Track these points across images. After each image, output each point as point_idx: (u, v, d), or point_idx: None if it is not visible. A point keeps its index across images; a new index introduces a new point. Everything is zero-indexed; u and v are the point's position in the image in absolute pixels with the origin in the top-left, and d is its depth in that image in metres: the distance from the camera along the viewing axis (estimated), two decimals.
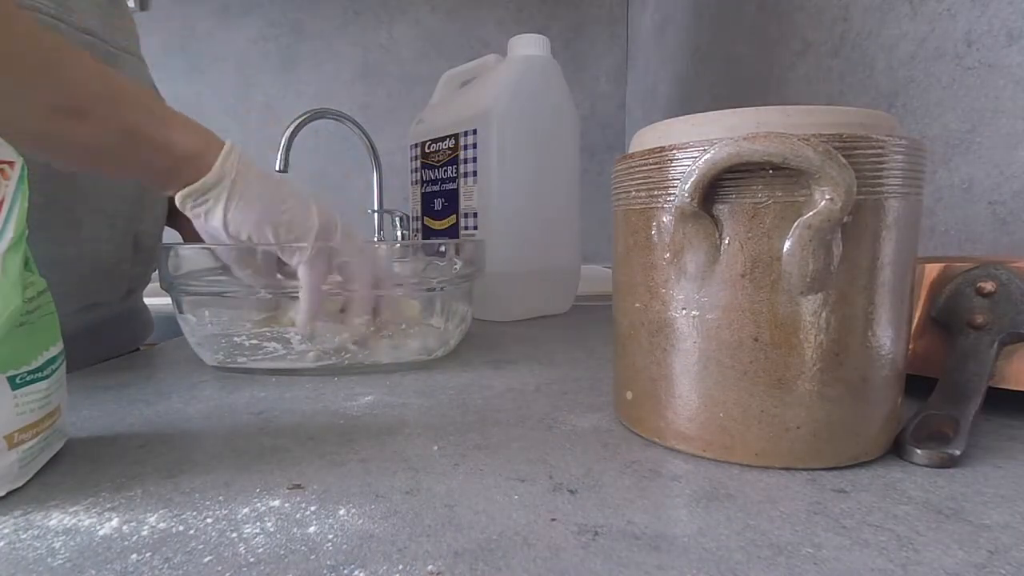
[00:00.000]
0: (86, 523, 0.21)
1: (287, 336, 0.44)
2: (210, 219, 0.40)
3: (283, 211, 0.42)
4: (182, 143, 0.39)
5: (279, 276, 0.44)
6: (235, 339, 0.45)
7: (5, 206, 0.24)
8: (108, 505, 0.23)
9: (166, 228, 0.60)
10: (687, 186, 0.24)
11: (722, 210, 0.25)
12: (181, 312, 0.45)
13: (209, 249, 0.44)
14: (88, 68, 0.35)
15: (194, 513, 0.22)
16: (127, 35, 0.50)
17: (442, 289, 0.47)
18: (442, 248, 0.50)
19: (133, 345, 0.58)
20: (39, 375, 0.25)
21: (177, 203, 0.40)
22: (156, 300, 0.86)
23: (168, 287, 0.44)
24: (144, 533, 0.21)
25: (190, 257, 0.44)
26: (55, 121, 0.33)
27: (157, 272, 0.47)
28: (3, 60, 0.31)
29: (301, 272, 0.42)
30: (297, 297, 0.44)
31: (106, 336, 0.53)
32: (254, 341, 0.44)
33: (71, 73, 0.34)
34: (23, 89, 0.32)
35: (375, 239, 1.17)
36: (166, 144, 0.38)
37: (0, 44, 0.31)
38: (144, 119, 0.37)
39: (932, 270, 0.35)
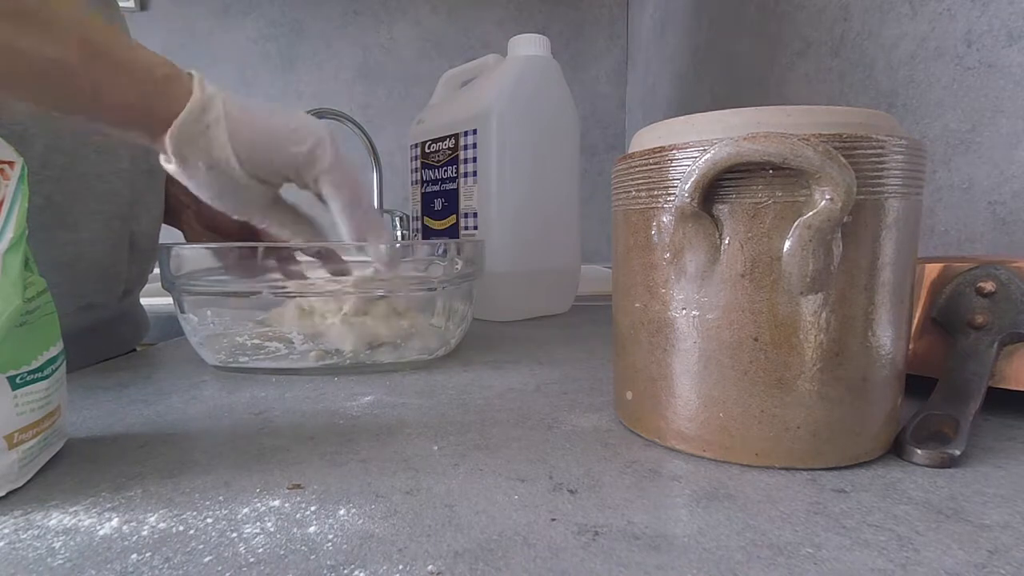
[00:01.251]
0: (86, 523, 0.21)
1: (289, 336, 0.44)
2: (215, 150, 0.36)
3: (286, 122, 0.38)
4: (145, 67, 0.34)
5: (279, 273, 0.44)
6: (237, 339, 0.45)
7: (5, 206, 0.24)
8: (108, 505, 0.23)
9: (166, 227, 0.60)
10: (687, 186, 0.24)
11: (722, 210, 0.25)
12: (183, 312, 0.45)
13: (210, 249, 0.44)
14: None
15: (194, 513, 0.22)
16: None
17: (443, 289, 0.47)
18: (442, 248, 0.50)
19: (130, 346, 0.58)
20: (39, 375, 0.25)
21: (169, 148, 0.36)
22: (155, 300, 0.86)
23: (169, 287, 0.44)
24: (144, 533, 0.21)
25: (191, 257, 0.44)
26: (4, 25, 0.29)
27: (157, 272, 0.47)
28: None
29: (328, 187, 0.38)
30: (297, 297, 0.44)
31: (103, 336, 0.53)
32: (256, 341, 0.45)
33: None
34: None
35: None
36: (127, 66, 0.33)
37: None
38: (99, 35, 0.32)
39: (932, 270, 0.35)
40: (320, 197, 0.40)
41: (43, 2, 0.30)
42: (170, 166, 0.37)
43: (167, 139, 0.35)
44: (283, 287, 0.44)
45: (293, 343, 0.44)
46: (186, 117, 0.35)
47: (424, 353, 0.46)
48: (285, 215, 0.43)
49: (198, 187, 0.39)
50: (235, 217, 0.41)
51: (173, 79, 0.35)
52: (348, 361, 0.44)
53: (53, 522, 0.21)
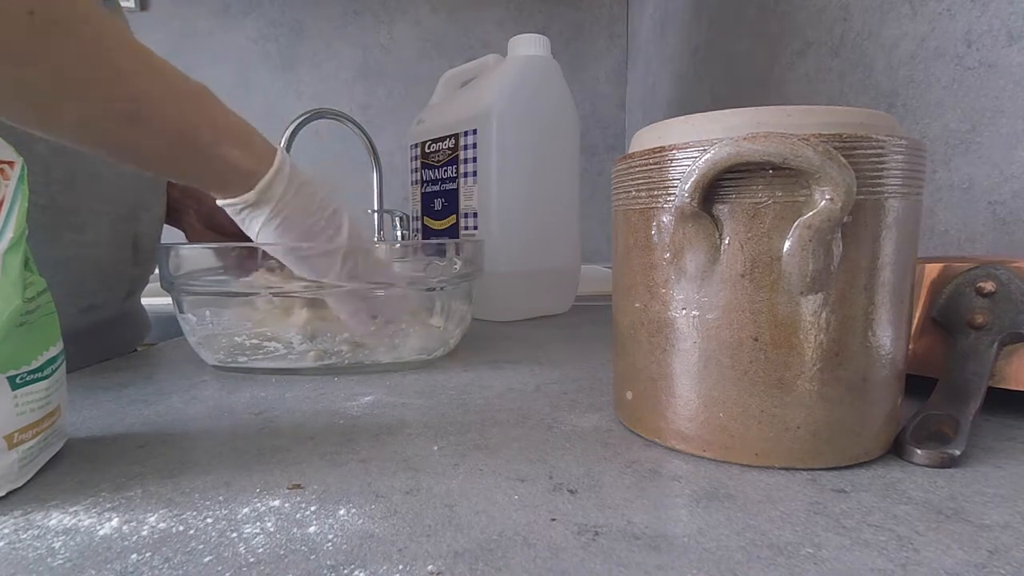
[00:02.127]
0: (86, 523, 0.21)
1: (288, 336, 0.44)
2: (248, 230, 0.41)
3: (317, 231, 0.42)
4: (233, 158, 0.38)
5: (271, 274, 0.44)
6: (236, 339, 0.45)
7: (5, 206, 0.24)
8: (108, 505, 0.23)
9: (168, 227, 0.60)
10: (687, 186, 0.24)
11: (722, 210, 0.25)
12: (181, 312, 0.45)
13: (209, 249, 0.44)
14: (149, 67, 0.33)
15: (194, 513, 0.22)
16: None
17: (442, 289, 0.47)
18: (442, 248, 0.50)
19: (131, 346, 0.58)
20: (39, 375, 0.25)
21: (229, 211, 0.40)
22: (155, 300, 0.86)
23: (169, 287, 0.44)
24: (144, 533, 0.21)
25: (191, 257, 0.44)
26: (113, 124, 0.32)
27: (157, 272, 0.47)
28: (80, 72, 0.30)
29: (335, 300, 0.43)
30: (296, 296, 0.44)
31: (105, 337, 0.53)
32: (255, 341, 0.44)
33: (134, 78, 0.32)
34: (81, 96, 0.31)
35: (374, 239, 1.17)
36: (218, 155, 0.37)
37: (67, 45, 0.29)
38: (192, 125, 0.36)
39: (932, 270, 0.35)
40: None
41: (145, 100, 0.33)
42: (241, 215, 0.41)
43: (227, 209, 0.40)
44: (280, 287, 0.44)
45: (292, 343, 0.44)
46: (232, 203, 0.39)
47: (423, 353, 0.46)
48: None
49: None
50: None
51: (248, 173, 0.39)
52: (347, 361, 0.44)
53: (53, 522, 0.21)
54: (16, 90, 0.28)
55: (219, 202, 0.40)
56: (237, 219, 0.41)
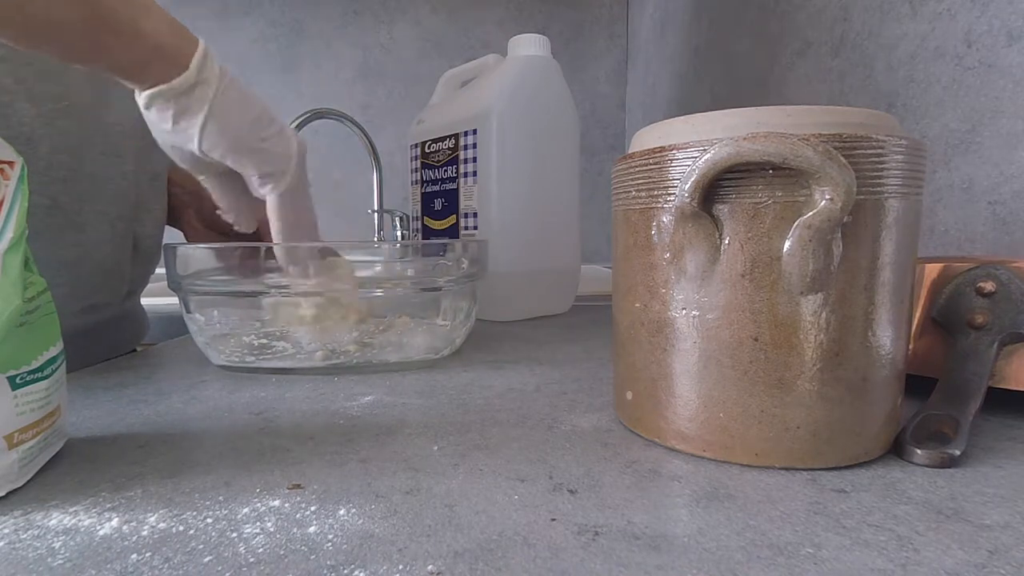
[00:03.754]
0: (86, 523, 0.21)
1: (296, 335, 0.44)
2: (181, 128, 0.37)
3: (263, 138, 0.39)
4: (153, 31, 0.34)
5: (269, 273, 0.44)
6: (244, 338, 0.45)
7: (5, 206, 0.24)
8: (108, 505, 0.23)
9: (168, 227, 0.60)
10: (687, 186, 0.24)
11: (722, 210, 0.25)
12: (189, 312, 0.45)
13: (217, 249, 0.44)
14: None
15: (194, 513, 0.22)
16: None
17: (448, 289, 0.47)
18: (445, 248, 0.50)
19: (130, 346, 0.58)
20: (39, 375, 0.25)
21: (140, 102, 0.37)
22: (156, 300, 0.86)
23: (176, 287, 0.44)
24: (144, 533, 0.21)
25: (198, 256, 0.44)
26: None
27: (163, 272, 0.46)
28: None
29: (273, 202, 0.40)
30: (299, 295, 0.44)
31: (105, 337, 0.53)
32: (263, 340, 0.45)
33: None
34: None
35: (375, 239, 1.17)
36: (134, 30, 0.34)
37: None
38: (115, 4, 0.33)
39: (932, 270, 0.35)
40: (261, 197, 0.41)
41: None
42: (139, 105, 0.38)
43: (143, 95, 0.36)
44: (287, 286, 0.44)
45: (300, 343, 0.44)
46: (163, 91, 0.36)
47: (430, 352, 0.46)
48: (232, 183, 0.43)
49: (161, 143, 0.40)
50: (187, 169, 0.42)
51: (171, 52, 0.36)
52: (355, 361, 0.44)
53: (53, 522, 0.21)
54: None
55: (144, 97, 0.36)
56: (164, 125, 0.37)
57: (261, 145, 0.39)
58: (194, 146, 0.38)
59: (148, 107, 0.37)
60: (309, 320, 0.44)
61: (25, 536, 0.21)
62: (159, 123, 0.38)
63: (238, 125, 0.39)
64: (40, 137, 0.41)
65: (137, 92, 0.37)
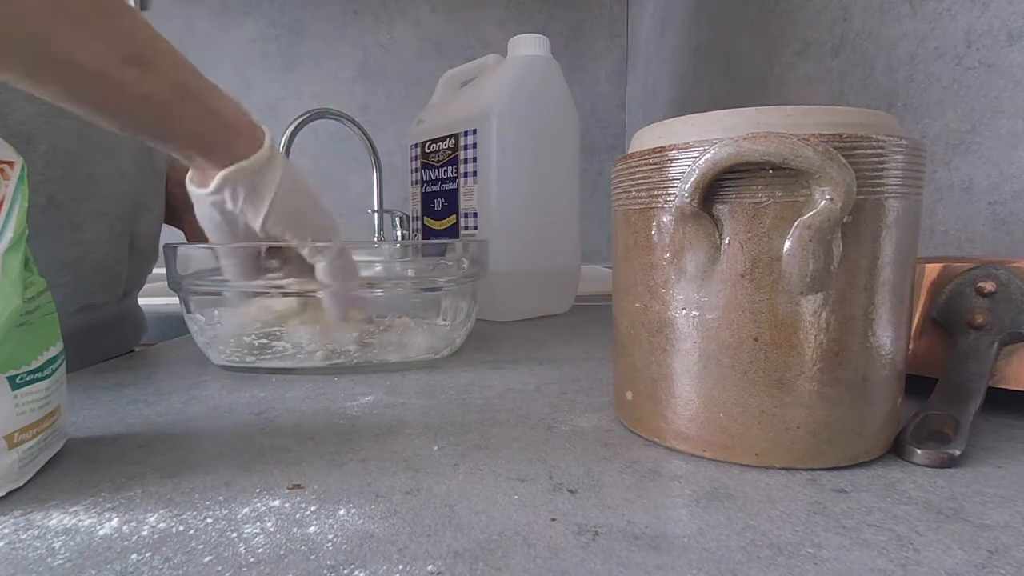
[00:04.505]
0: (86, 523, 0.21)
1: (297, 335, 0.44)
2: (250, 204, 0.39)
3: (319, 213, 0.42)
4: (226, 111, 0.37)
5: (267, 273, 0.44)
6: (244, 338, 0.45)
7: (5, 206, 0.24)
8: (108, 505, 0.23)
9: (168, 227, 0.60)
10: (687, 186, 0.24)
11: (722, 210, 0.25)
12: (189, 312, 0.45)
13: (215, 249, 0.44)
14: (144, 21, 0.33)
15: (194, 513, 0.22)
16: None
17: (449, 289, 0.47)
18: (445, 248, 0.50)
19: (128, 346, 0.58)
20: (39, 375, 0.25)
21: (216, 180, 0.38)
22: (155, 300, 0.86)
23: (176, 287, 0.44)
24: (144, 533, 0.21)
25: (199, 257, 0.44)
26: (121, 69, 0.31)
27: (157, 272, 0.47)
28: (79, 6, 0.29)
29: (323, 268, 0.42)
30: (299, 295, 0.44)
31: (102, 337, 0.53)
32: (263, 340, 0.45)
33: (133, 24, 0.32)
34: (96, 36, 0.30)
35: (375, 239, 1.17)
36: (214, 108, 0.36)
37: None
38: (194, 78, 0.36)
39: (932, 270, 0.35)
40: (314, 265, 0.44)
41: (156, 51, 0.33)
42: (199, 190, 0.40)
43: (221, 173, 0.38)
44: (284, 287, 0.44)
45: (301, 343, 0.44)
46: (251, 164, 0.38)
47: (430, 352, 0.46)
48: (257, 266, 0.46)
49: (210, 218, 0.41)
50: (220, 255, 0.44)
51: (248, 129, 0.39)
52: (355, 361, 0.44)
53: (53, 522, 0.21)
54: (9, 21, 0.27)
55: (220, 176, 0.38)
56: (231, 204, 0.39)
57: (313, 218, 0.42)
58: (258, 223, 0.40)
59: (221, 188, 0.38)
60: (289, 315, 0.45)
61: (25, 536, 0.21)
62: (224, 203, 0.39)
63: (297, 201, 0.41)
64: (38, 136, 0.41)
65: (196, 173, 0.39)
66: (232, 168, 0.38)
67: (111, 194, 0.48)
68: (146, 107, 0.34)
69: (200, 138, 0.37)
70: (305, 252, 0.42)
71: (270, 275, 0.44)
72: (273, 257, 0.44)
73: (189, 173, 0.40)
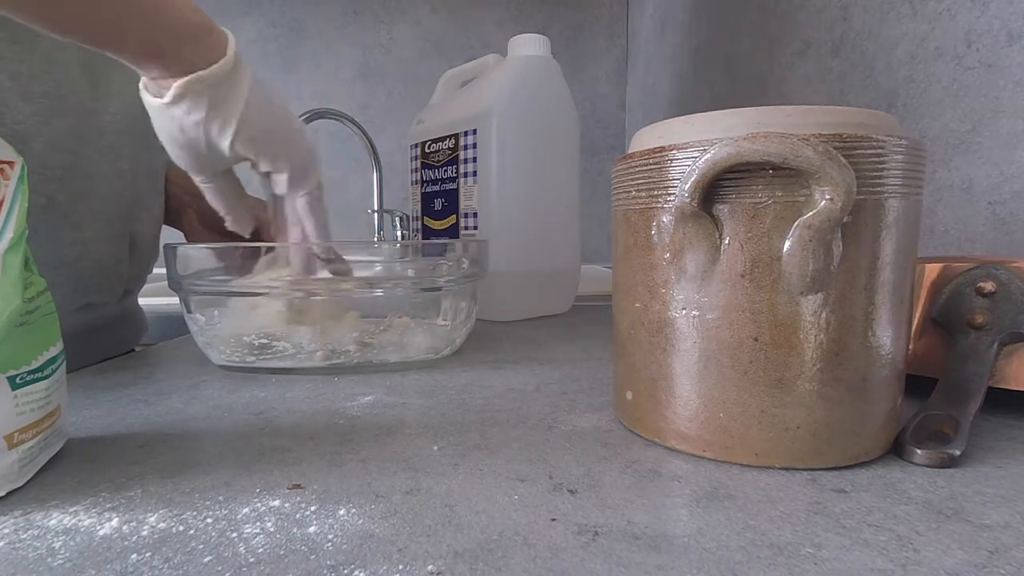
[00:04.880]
0: (86, 523, 0.21)
1: (298, 336, 0.44)
2: (213, 122, 0.35)
3: (291, 134, 0.38)
4: (183, 13, 0.33)
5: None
6: (244, 338, 0.45)
7: (5, 206, 0.24)
8: (108, 505, 0.23)
9: (167, 227, 0.60)
10: (687, 186, 0.24)
11: (722, 210, 0.25)
12: (189, 312, 0.45)
13: (217, 249, 0.44)
14: None
15: (194, 513, 0.22)
16: None
17: (449, 289, 0.47)
18: (445, 248, 0.50)
19: (128, 346, 0.58)
20: (39, 375, 0.25)
21: (168, 94, 0.34)
22: (155, 300, 0.86)
23: (176, 287, 0.44)
24: (144, 533, 0.21)
25: (198, 257, 0.44)
26: None
27: (157, 272, 0.47)
28: None
29: (305, 202, 0.39)
30: (301, 296, 0.44)
31: (102, 337, 0.53)
32: (263, 340, 0.45)
33: None
34: None
35: (375, 239, 1.17)
36: (166, 8, 0.32)
37: None
38: None
39: (932, 270, 0.35)
40: (278, 199, 0.41)
41: None
42: (155, 100, 0.36)
43: (178, 82, 0.34)
44: (289, 287, 0.44)
45: (301, 343, 0.44)
46: (211, 74, 0.34)
47: (430, 352, 0.46)
48: (232, 185, 0.43)
49: (168, 132, 0.37)
50: (188, 172, 0.41)
51: (207, 32, 0.35)
52: (355, 361, 0.44)
53: (53, 522, 0.21)
54: None
55: (178, 84, 0.33)
56: (193, 117, 0.34)
57: (291, 142, 0.38)
58: (225, 143, 0.36)
59: (179, 98, 0.34)
60: (289, 318, 0.44)
61: (25, 536, 0.21)
62: (184, 116, 0.35)
63: (271, 120, 0.37)
64: (35, 135, 0.41)
65: (152, 83, 0.34)
66: (191, 77, 0.34)
67: (109, 193, 0.48)
68: (82, 5, 0.30)
69: (150, 41, 0.33)
70: (281, 181, 0.38)
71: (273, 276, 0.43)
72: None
73: (142, 80, 0.36)
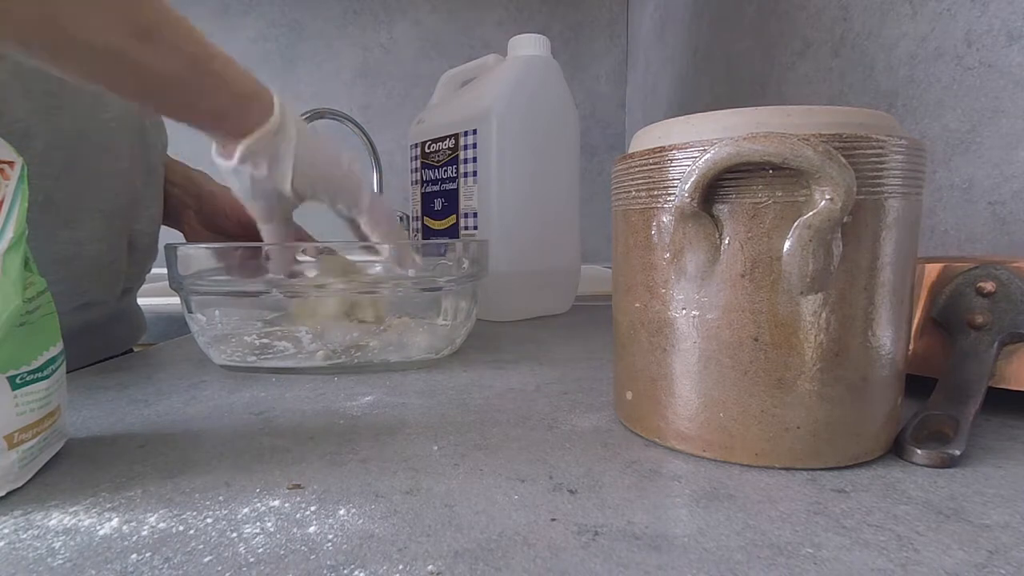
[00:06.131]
0: (86, 523, 0.21)
1: (298, 335, 0.44)
2: (275, 170, 0.40)
3: (340, 160, 0.43)
4: (238, 80, 0.37)
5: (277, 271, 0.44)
6: (245, 338, 0.45)
7: (5, 206, 0.24)
8: (108, 505, 0.23)
9: (167, 228, 0.60)
10: (687, 186, 0.24)
11: (722, 210, 0.25)
12: (190, 312, 0.45)
13: (219, 248, 0.44)
14: None
15: (194, 513, 0.22)
16: None
17: (449, 289, 0.47)
18: (445, 248, 0.50)
19: (126, 345, 0.58)
20: (39, 375, 0.25)
21: (238, 152, 0.39)
22: (155, 300, 0.86)
23: (177, 287, 0.44)
24: (144, 533, 0.21)
25: (199, 256, 0.44)
26: (131, 42, 0.31)
27: (156, 272, 0.46)
28: None
29: (367, 221, 0.43)
30: (299, 296, 0.44)
31: (100, 336, 0.53)
32: (264, 340, 0.45)
33: None
34: (103, 11, 0.30)
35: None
36: (224, 79, 0.37)
37: None
38: (204, 50, 0.36)
39: (932, 270, 0.35)
40: (353, 223, 0.45)
41: (162, 19, 0.33)
42: (227, 163, 0.40)
43: (241, 144, 0.39)
44: (291, 286, 0.44)
45: (302, 342, 0.44)
46: (264, 132, 0.39)
47: (431, 352, 0.46)
48: (291, 227, 0.47)
49: (242, 188, 0.42)
50: (257, 220, 0.45)
51: (258, 95, 0.39)
52: (355, 361, 0.44)
53: (53, 522, 0.21)
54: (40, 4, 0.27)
55: (244, 144, 0.38)
56: (258, 172, 0.39)
57: (341, 174, 0.42)
58: (287, 187, 0.41)
59: (246, 158, 0.39)
60: (331, 315, 0.45)
61: (25, 536, 0.21)
62: (254, 171, 0.40)
63: (322, 159, 0.42)
64: (35, 133, 0.41)
65: (220, 155, 0.39)
66: (252, 138, 0.38)
67: (108, 192, 0.48)
68: (158, 82, 0.34)
69: (214, 110, 0.37)
70: (341, 211, 0.43)
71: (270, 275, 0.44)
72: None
73: (214, 147, 0.41)
